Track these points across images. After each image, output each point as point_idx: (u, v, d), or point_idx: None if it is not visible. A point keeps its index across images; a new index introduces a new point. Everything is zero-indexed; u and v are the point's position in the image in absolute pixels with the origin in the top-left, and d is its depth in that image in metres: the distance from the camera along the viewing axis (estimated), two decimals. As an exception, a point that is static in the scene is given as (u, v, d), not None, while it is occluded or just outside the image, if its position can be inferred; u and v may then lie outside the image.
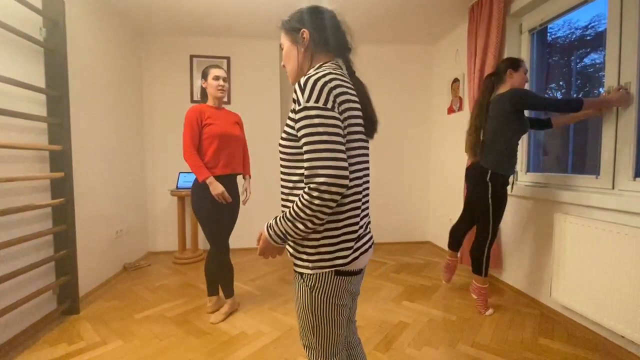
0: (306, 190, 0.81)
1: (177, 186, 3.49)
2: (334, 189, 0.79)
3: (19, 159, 1.91)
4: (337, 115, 0.82)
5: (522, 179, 2.60)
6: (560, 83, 2.52)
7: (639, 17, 1.76)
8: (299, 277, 0.93)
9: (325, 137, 0.80)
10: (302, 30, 0.94)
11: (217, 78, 2.11)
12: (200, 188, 2.07)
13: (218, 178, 2.07)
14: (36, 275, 2.03)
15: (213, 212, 2.07)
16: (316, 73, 0.85)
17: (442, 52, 3.76)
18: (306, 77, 0.84)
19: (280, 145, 0.91)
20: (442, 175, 3.78)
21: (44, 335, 1.98)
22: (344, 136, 0.84)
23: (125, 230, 3.17)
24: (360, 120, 0.90)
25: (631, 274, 1.65)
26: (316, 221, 0.84)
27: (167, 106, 3.69)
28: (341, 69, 0.95)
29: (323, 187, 0.79)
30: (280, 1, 2.86)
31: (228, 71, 3.70)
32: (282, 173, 0.93)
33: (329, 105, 0.81)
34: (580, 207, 1.99)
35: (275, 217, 0.89)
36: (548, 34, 2.52)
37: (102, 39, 2.80)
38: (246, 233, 3.66)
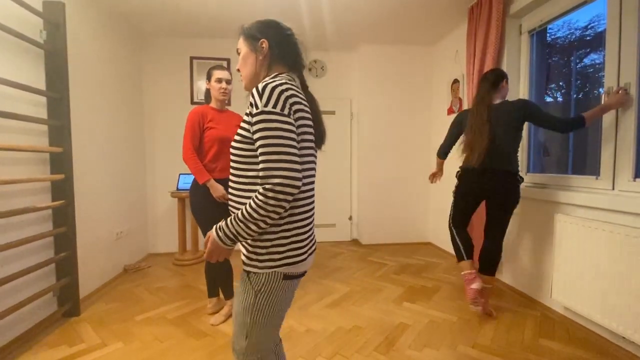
0: (261, 191, 0.83)
1: (177, 188, 3.49)
2: (288, 189, 0.82)
3: (20, 161, 1.92)
4: (292, 122, 0.86)
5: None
6: (560, 83, 2.52)
7: (638, 18, 1.76)
8: (246, 276, 0.94)
9: (281, 141, 0.83)
10: (261, 40, 0.99)
11: (219, 81, 2.10)
12: (198, 189, 2.07)
13: (216, 181, 2.08)
14: (37, 277, 2.03)
15: (212, 213, 2.07)
16: (273, 81, 0.88)
17: (442, 52, 3.76)
18: (264, 83, 0.87)
19: (234, 147, 0.93)
20: (443, 176, 3.77)
21: (44, 337, 1.98)
22: (297, 142, 0.88)
23: (125, 231, 3.17)
24: (310, 130, 0.95)
25: (631, 274, 1.65)
26: (269, 221, 0.86)
27: (168, 108, 3.69)
28: (295, 82, 1.00)
29: (278, 188, 0.82)
30: (279, 3, 2.86)
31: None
32: (233, 175, 0.95)
33: (286, 112, 0.85)
34: (581, 207, 1.99)
35: (225, 219, 0.91)
36: (548, 35, 2.52)
37: (103, 41, 2.81)
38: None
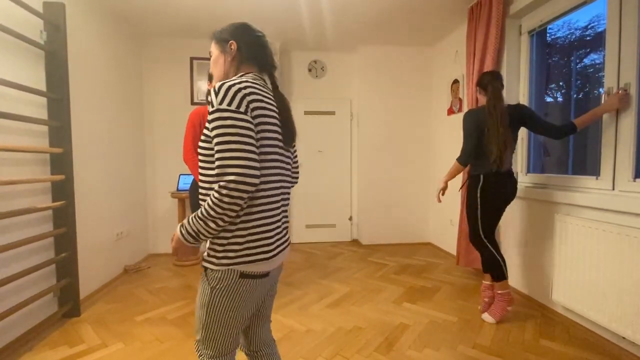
0: (216, 188, 0.83)
1: (177, 188, 3.49)
2: (242, 186, 0.82)
3: (20, 162, 1.92)
4: (249, 119, 0.86)
5: (523, 180, 2.60)
6: (560, 84, 2.52)
7: (638, 18, 1.76)
8: (204, 272, 0.95)
9: (236, 138, 0.83)
10: (230, 42, 1.02)
11: None
12: (198, 190, 2.07)
13: None
14: (37, 278, 2.03)
15: None
16: (232, 81, 0.89)
17: (442, 53, 3.76)
18: (220, 83, 0.88)
19: (200, 147, 0.94)
20: (443, 176, 3.77)
21: (44, 337, 1.98)
22: (256, 140, 0.88)
23: (125, 232, 3.17)
24: (276, 128, 0.95)
25: (632, 275, 1.65)
26: (226, 219, 0.86)
27: (168, 108, 3.69)
28: (263, 81, 1.03)
29: (231, 185, 0.81)
30: (279, 3, 2.87)
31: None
32: (201, 174, 0.96)
33: (242, 109, 0.85)
34: (581, 208, 1.99)
35: (188, 217, 0.91)
36: (548, 35, 2.52)
37: (103, 42, 2.81)
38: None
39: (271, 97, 0.98)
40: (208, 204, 0.84)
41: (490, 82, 2.09)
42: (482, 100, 2.16)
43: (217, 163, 0.85)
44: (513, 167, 2.19)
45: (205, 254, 0.94)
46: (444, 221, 3.76)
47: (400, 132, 4.03)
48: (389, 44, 3.88)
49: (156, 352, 1.83)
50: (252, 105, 0.88)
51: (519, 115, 2.06)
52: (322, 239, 4.26)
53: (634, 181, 1.80)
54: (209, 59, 3.69)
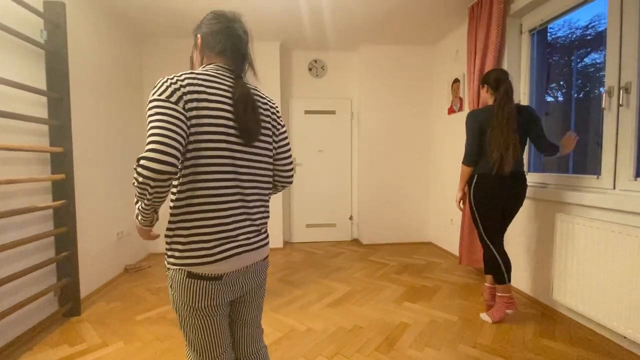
0: (134, 168, 0.81)
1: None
2: (151, 164, 0.77)
3: (21, 161, 1.92)
4: (178, 108, 0.83)
5: (523, 179, 2.59)
6: (561, 83, 2.52)
7: (639, 17, 1.76)
8: (166, 269, 0.96)
9: (155, 124, 0.81)
10: (197, 35, 1.01)
11: None
12: None
13: None
14: (37, 277, 2.03)
15: None
16: (173, 75, 0.89)
17: (442, 52, 3.76)
18: (160, 78, 0.88)
19: None
20: (443, 176, 3.78)
21: (45, 337, 1.98)
22: (184, 128, 0.83)
23: (126, 231, 3.17)
24: (221, 122, 0.89)
25: (632, 274, 1.65)
26: (146, 202, 0.85)
27: (168, 108, 3.69)
28: (225, 70, 0.96)
29: (142, 162, 0.77)
30: (279, 2, 2.86)
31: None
32: None
33: (172, 100, 0.83)
34: (582, 207, 1.99)
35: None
36: (548, 34, 2.52)
37: (103, 41, 2.81)
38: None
39: (227, 89, 0.92)
40: (135, 185, 0.83)
41: (502, 81, 2.00)
42: (486, 98, 2.11)
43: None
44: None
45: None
46: (444, 221, 3.76)
47: (400, 132, 4.03)
48: (390, 43, 3.88)
49: (156, 351, 1.83)
50: (186, 97, 0.85)
51: (528, 116, 2.01)
52: (323, 239, 4.26)
53: (635, 180, 1.80)
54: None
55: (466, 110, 3.20)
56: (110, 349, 1.86)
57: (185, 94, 0.85)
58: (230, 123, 0.91)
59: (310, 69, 4.13)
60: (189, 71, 0.91)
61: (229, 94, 0.92)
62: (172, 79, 0.86)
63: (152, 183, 0.79)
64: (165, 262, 0.94)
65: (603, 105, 1.95)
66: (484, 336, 1.96)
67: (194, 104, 0.86)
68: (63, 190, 2.15)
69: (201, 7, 2.94)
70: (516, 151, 1.96)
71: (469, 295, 2.53)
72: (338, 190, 4.25)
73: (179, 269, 0.90)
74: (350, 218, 4.29)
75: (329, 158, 4.19)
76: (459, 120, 3.36)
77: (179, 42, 3.67)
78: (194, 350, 0.99)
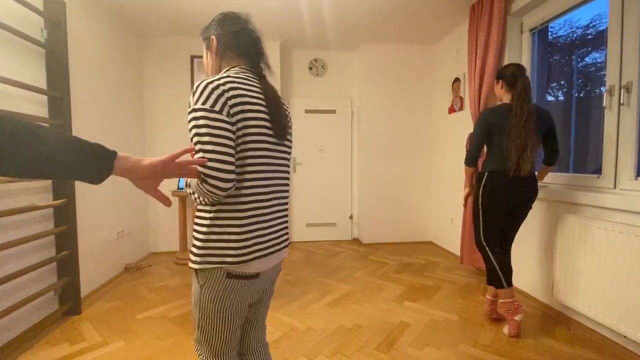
0: (197, 181, 0.84)
1: (178, 187, 3.49)
2: (218, 183, 0.81)
3: (21, 160, 1.91)
4: (224, 118, 0.84)
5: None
6: (562, 82, 2.52)
7: (641, 16, 1.75)
8: (193, 273, 0.94)
9: (208, 139, 0.82)
10: (211, 37, 0.99)
11: None
12: None
13: None
14: (38, 276, 2.03)
15: None
16: (211, 78, 0.87)
17: (443, 51, 3.76)
18: (199, 82, 0.86)
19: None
20: (444, 175, 3.78)
21: (46, 335, 1.98)
22: (233, 139, 0.86)
23: (126, 230, 3.18)
24: (263, 123, 0.92)
25: (632, 273, 1.65)
26: (205, 200, 0.89)
27: (168, 107, 3.69)
28: (251, 73, 0.98)
29: (211, 182, 0.81)
30: (279, 1, 2.86)
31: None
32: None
33: (217, 108, 0.83)
34: (582, 206, 1.99)
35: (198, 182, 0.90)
36: (549, 33, 2.51)
37: (103, 40, 2.81)
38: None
39: (258, 90, 0.94)
40: (197, 184, 0.85)
41: (519, 76, 1.89)
42: (501, 94, 1.99)
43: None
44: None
45: (192, 252, 0.92)
46: (444, 220, 3.76)
47: (401, 131, 4.03)
48: (390, 42, 3.87)
49: (157, 349, 1.83)
50: (230, 102, 0.85)
51: (549, 124, 1.95)
52: (323, 238, 4.26)
53: (636, 179, 1.80)
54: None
55: (467, 109, 3.20)
56: (110, 347, 1.86)
57: (229, 99, 0.85)
58: (267, 123, 0.93)
59: (310, 68, 4.12)
60: (225, 75, 0.90)
61: (261, 95, 0.94)
62: (212, 84, 0.85)
63: (216, 197, 0.85)
64: (194, 263, 0.90)
65: (604, 105, 1.95)
66: (484, 335, 1.96)
67: (239, 108, 0.87)
68: (63, 189, 2.15)
69: (201, 6, 2.94)
70: (533, 152, 1.87)
71: (469, 294, 2.53)
72: (338, 190, 4.25)
73: (217, 268, 0.89)
74: (351, 217, 4.29)
75: (329, 157, 4.19)
76: (460, 120, 3.36)
77: (179, 40, 3.67)
78: (209, 348, 0.98)
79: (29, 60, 1.98)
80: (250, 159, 0.90)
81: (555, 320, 2.13)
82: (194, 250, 0.91)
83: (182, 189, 3.45)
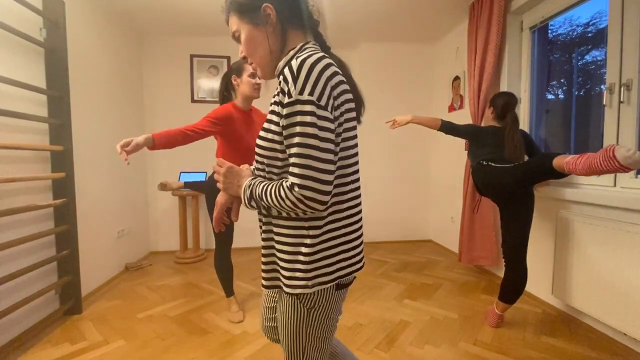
0: (286, 187, 0.70)
1: (184, 185, 3.48)
2: (318, 196, 0.69)
3: (21, 160, 1.92)
4: (331, 117, 0.70)
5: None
6: (562, 80, 2.51)
7: (641, 14, 1.75)
8: (293, 298, 0.79)
9: (314, 142, 0.68)
10: (263, 6, 0.76)
11: (253, 75, 1.93)
12: (215, 185, 2.01)
13: None
14: (38, 276, 2.03)
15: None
16: (309, 56, 0.69)
17: (443, 50, 3.75)
18: (299, 60, 0.68)
19: (259, 146, 0.77)
20: (444, 174, 3.78)
21: (46, 335, 1.98)
22: (337, 143, 0.73)
23: (126, 230, 3.18)
24: (354, 112, 0.79)
25: (632, 271, 1.65)
26: (284, 215, 0.76)
27: (168, 106, 3.69)
28: (319, 46, 0.81)
29: (308, 195, 0.68)
30: (280, 0, 2.85)
31: (228, 71, 3.70)
32: (258, 169, 0.82)
33: (323, 102, 0.68)
34: (582, 204, 1.99)
35: (262, 184, 0.76)
36: (549, 31, 2.51)
37: (103, 39, 2.80)
38: (245, 232, 3.66)
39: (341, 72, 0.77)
40: (274, 192, 0.71)
41: (510, 108, 2.01)
42: (489, 119, 2.14)
43: (291, 169, 0.70)
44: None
45: (295, 277, 0.77)
46: (444, 219, 3.76)
47: (401, 129, 4.02)
48: (390, 41, 3.87)
49: (157, 349, 1.84)
50: (335, 92, 0.70)
51: (526, 137, 2.08)
52: (323, 237, 4.25)
53: (636, 177, 1.80)
54: (209, 56, 3.70)
55: (467, 107, 3.20)
56: (111, 346, 1.86)
57: (333, 87, 0.70)
58: (354, 110, 0.79)
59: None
60: (320, 53, 0.72)
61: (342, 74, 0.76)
62: (317, 66, 0.67)
63: (303, 215, 0.73)
64: (302, 288, 0.76)
65: (604, 103, 1.95)
66: (485, 333, 1.96)
67: (342, 98, 0.72)
68: (63, 188, 2.15)
69: (201, 5, 2.93)
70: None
71: (469, 292, 2.54)
72: (338, 189, 4.24)
73: (329, 286, 0.78)
74: (351, 216, 4.29)
75: (329, 156, 4.19)
76: (460, 118, 3.35)
77: (179, 39, 3.66)
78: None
79: (29, 59, 1.98)
80: (347, 159, 0.77)
81: (555, 318, 2.13)
82: (299, 275, 0.76)
83: (187, 186, 3.44)
